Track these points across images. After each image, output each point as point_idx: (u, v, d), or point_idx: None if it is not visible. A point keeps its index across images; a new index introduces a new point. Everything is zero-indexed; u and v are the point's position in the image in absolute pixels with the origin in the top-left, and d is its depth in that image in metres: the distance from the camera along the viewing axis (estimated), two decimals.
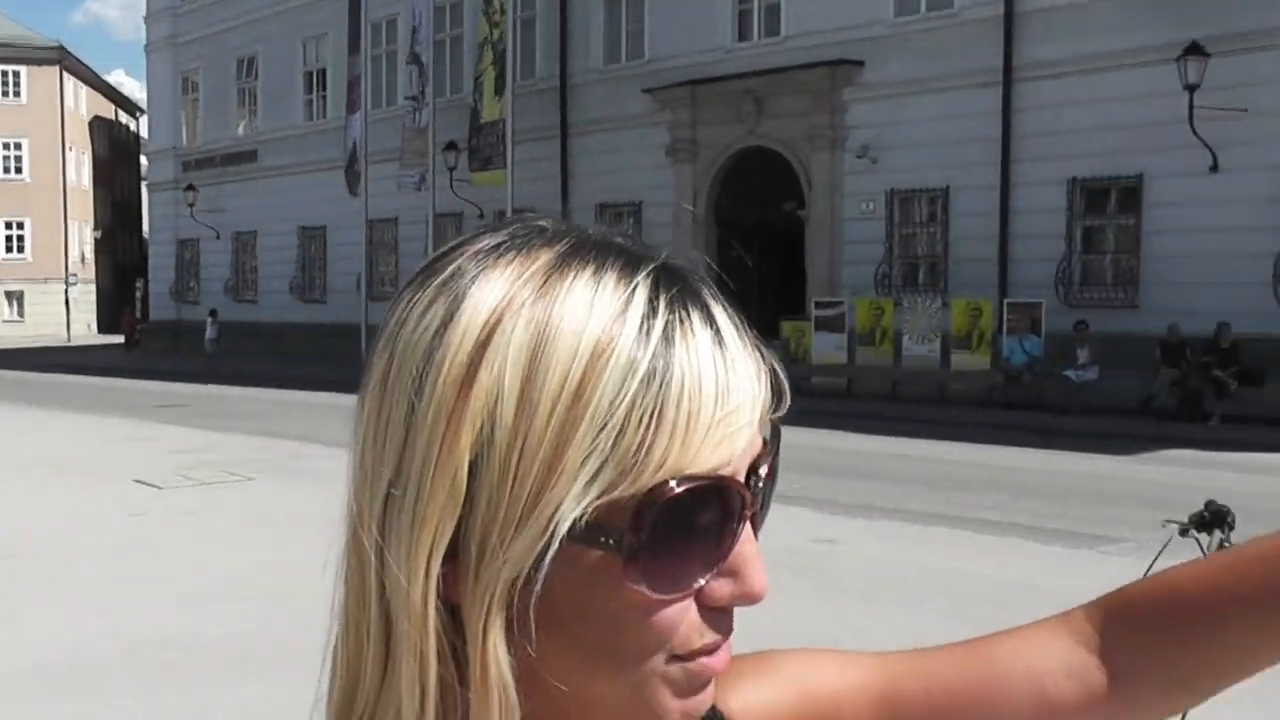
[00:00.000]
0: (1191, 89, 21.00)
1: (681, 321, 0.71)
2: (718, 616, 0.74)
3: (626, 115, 30.62)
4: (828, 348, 24.97)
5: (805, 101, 27.11)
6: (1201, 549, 3.47)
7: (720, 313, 0.74)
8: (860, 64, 26.35)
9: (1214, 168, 21.59)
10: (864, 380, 23.58)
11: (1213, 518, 3.47)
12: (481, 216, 33.04)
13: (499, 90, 30.82)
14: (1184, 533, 3.52)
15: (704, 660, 0.74)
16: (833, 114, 26.80)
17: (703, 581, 0.72)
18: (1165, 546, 3.39)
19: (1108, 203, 23.57)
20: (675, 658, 0.73)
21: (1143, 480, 14.51)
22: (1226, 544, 3.43)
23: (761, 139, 28.02)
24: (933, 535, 10.98)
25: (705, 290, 0.74)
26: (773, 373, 0.75)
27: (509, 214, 27.67)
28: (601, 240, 0.75)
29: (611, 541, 0.70)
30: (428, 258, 0.76)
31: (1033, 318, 22.63)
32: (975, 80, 24.65)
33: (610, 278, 0.71)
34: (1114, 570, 9.60)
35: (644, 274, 0.72)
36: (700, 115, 29.04)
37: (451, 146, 31.93)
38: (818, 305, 25.32)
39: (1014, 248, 24.42)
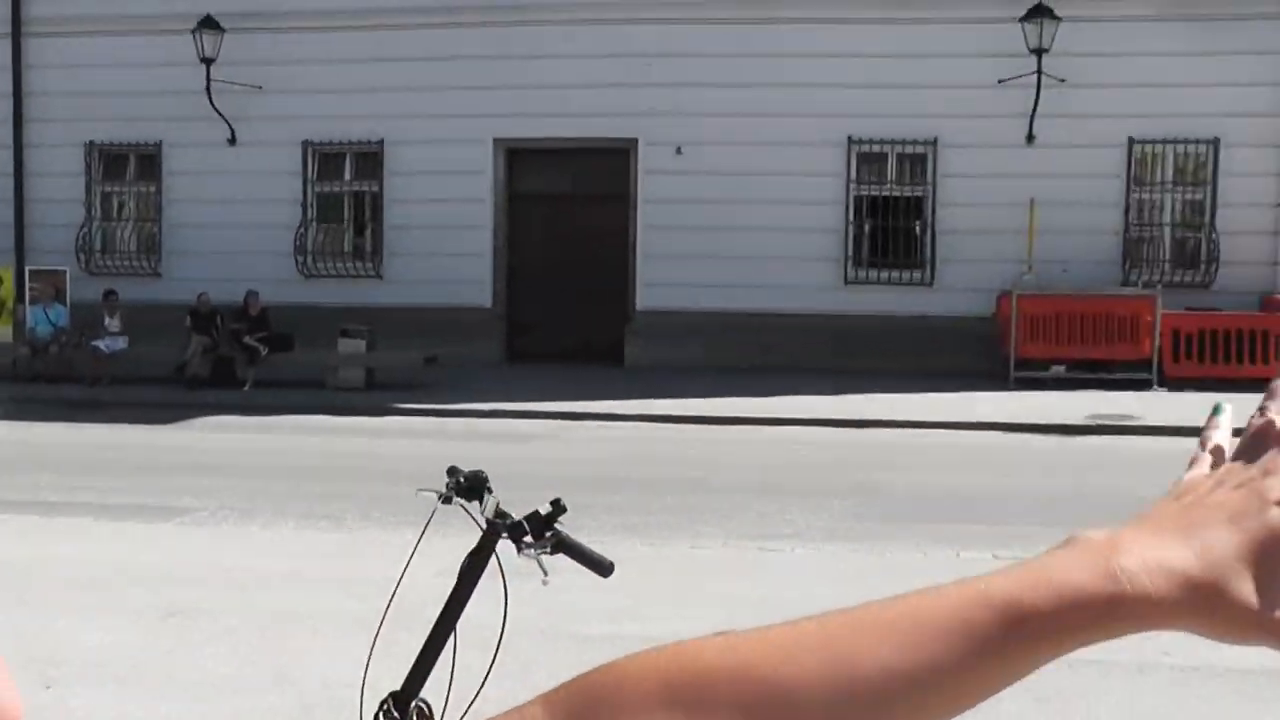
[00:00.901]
0: (208, 61, 21.47)
1: None
2: None
3: None
4: None
5: None
6: (473, 517, 3.34)
7: None
8: None
9: (232, 140, 22.27)
10: None
11: (472, 482, 3.32)
12: None
13: None
14: (447, 501, 3.33)
15: None
16: None
17: None
18: (431, 518, 3.28)
19: (127, 169, 23.45)
20: None
21: (192, 449, 14.81)
22: (500, 506, 3.31)
23: None
24: None
25: None
26: None
27: None
28: None
29: None
30: None
31: (57, 286, 21.99)
32: None
33: None
34: (197, 541, 9.84)
35: None
36: None
37: None
38: None
39: (32, 212, 23.53)
